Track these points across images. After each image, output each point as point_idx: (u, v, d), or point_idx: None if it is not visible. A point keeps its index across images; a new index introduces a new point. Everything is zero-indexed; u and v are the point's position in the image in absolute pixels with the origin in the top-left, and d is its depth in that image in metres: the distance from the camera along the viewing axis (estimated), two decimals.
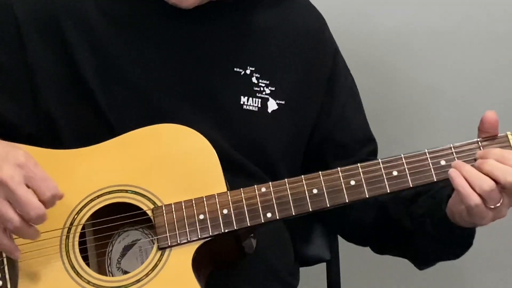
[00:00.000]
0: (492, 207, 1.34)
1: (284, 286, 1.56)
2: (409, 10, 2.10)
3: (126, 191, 1.40)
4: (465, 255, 2.19)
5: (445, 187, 1.43)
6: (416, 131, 2.16)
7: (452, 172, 1.35)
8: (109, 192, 1.40)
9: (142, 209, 1.39)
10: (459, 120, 2.12)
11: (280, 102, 1.54)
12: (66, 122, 1.49)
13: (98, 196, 1.40)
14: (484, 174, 1.34)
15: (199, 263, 1.38)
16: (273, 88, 1.54)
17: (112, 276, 1.41)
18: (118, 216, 1.40)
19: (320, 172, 1.40)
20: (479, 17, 2.09)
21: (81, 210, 1.39)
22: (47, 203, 1.30)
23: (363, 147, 1.63)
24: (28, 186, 1.29)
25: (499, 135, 1.41)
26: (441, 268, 2.18)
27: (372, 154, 1.65)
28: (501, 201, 1.34)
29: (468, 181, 1.34)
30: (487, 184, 1.33)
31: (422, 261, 1.60)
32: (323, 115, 1.59)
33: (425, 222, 1.48)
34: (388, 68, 2.14)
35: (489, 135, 1.40)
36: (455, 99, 2.13)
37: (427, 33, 2.11)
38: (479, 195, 1.33)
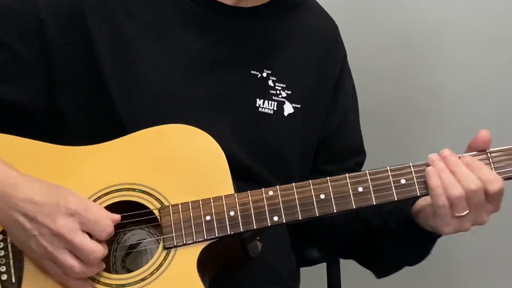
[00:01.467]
0: (457, 215, 1.36)
1: None
2: (412, 10, 2.10)
3: (134, 189, 1.40)
4: (465, 255, 2.21)
5: None
6: (419, 132, 2.17)
7: (430, 170, 1.37)
8: (116, 190, 1.40)
9: (148, 208, 1.39)
10: (461, 121, 2.12)
11: (296, 105, 1.55)
12: (78, 118, 1.48)
13: (105, 194, 1.40)
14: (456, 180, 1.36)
15: (204, 264, 1.38)
16: (290, 92, 1.54)
17: (117, 274, 1.41)
18: (125, 214, 1.39)
19: (328, 178, 1.40)
20: (483, 17, 2.09)
21: None
22: (105, 239, 1.35)
23: (354, 156, 1.65)
24: (83, 230, 1.33)
25: (507, 147, 1.41)
26: (442, 268, 2.20)
27: (360, 165, 1.66)
28: (465, 212, 1.36)
29: (442, 184, 1.36)
30: (457, 190, 1.35)
31: (381, 267, 1.61)
32: (327, 118, 1.61)
33: (389, 219, 1.50)
34: (390, 69, 2.14)
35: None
36: (458, 100, 2.14)
37: (430, 34, 2.11)
38: (448, 198, 1.35)
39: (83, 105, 1.48)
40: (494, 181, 1.36)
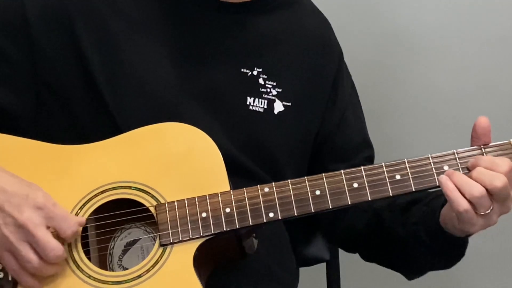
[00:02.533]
0: (482, 213, 1.34)
1: (283, 287, 1.57)
2: (411, 10, 2.11)
3: (130, 187, 1.41)
4: (466, 256, 2.20)
5: (441, 196, 1.42)
6: (417, 132, 2.17)
7: (442, 178, 1.36)
8: (113, 188, 1.41)
9: (144, 205, 1.40)
10: (459, 121, 2.12)
11: (287, 103, 1.55)
12: (69, 118, 1.49)
13: (102, 192, 1.40)
14: (474, 180, 1.34)
15: (200, 260, 1.39)
16: (280, 90, 1.54)
17: (112, 272, 1.42)
18: (121, 212, 1.40)
19: (323, 174, 1.40)
20: (481, 17, 2.10)
21: (84, 205, 1.40)
22: (69, 240, 1.35)
23: (360, 151, 1.64)
24: (49, 226, 1.33)
25: (501, 142, 1.41)
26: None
27: (368, 160, 1.65)
28: (491, 208, 1.34)
29: (458, 187, 1.34)
30: (477, 189, 1.33)
31: (412, 270, 1.59)
32: (325, 117, 1.60)
33: (418, 230, 1.48)
34: (389, 68, 2.14)
35: (482, 143, 1.40)
36: (456, 100, 2.14)
37: (428, 33, 2.12)
38: (469, 201, 1.33)
39: (74, 105, 1.49)
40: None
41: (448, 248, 1.48)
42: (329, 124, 1.61)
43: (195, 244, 1.38)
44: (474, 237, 2.14)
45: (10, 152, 1.43)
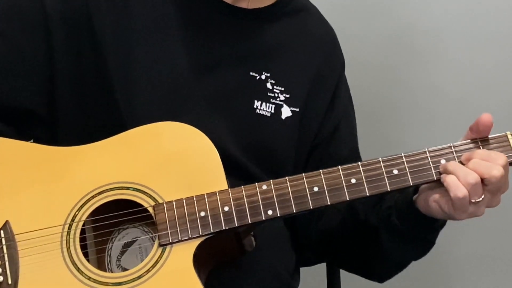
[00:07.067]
0: (473, 201, 1.36)
1: (284, 287, 1.56)
2: (410, 10, 2.11)
3: (127, 188, 1.41)
4: (463, 255, 2.20)
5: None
6: (416, 131, 2.17)
7: (441, 170, 1.38)
8: (110, 189, 1.40)
9: (143, 206, 1.40)
10: (459, 120, 2.13)
11: (295, 109, 1.56)
12: (80, 114, 1.50)
13: (99, 193, 1.40)
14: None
15: (200, 259, 1.38)
16: (288, 95, 1.56)
17: (112, 273, 1.41)
18: (119, 213, 1.40)
19: (320, 170, 1.40)
20: (480, 17, 2.10)
21: (82, 206, 1.40)
22: None
23: (348, 163, 1.64)
24: None
25: (498, 134, 1.42)
26: (441, 269, 2.19)
27: None
28: (482, 197, 1.36)
29: (453, 174, 1.36)
30: (472, 177, 1.35)
31: (383, 268, 1.59)
32: (322, 125, 1.62)
33: (390, 214, 1.49)
34: (388, 68, 2.15)
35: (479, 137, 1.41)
36: (456, 99, 2.15)
37: (427, 33, 2.12)
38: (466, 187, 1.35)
39: (83, 100, 1.49)
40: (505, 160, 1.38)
41: (419, 233, 1.48)
42: (324, 132, 1.62)
43: (195, 243, 1.38)
44: (471, 238, 2.16)
45: (7, 155, 1.43)
